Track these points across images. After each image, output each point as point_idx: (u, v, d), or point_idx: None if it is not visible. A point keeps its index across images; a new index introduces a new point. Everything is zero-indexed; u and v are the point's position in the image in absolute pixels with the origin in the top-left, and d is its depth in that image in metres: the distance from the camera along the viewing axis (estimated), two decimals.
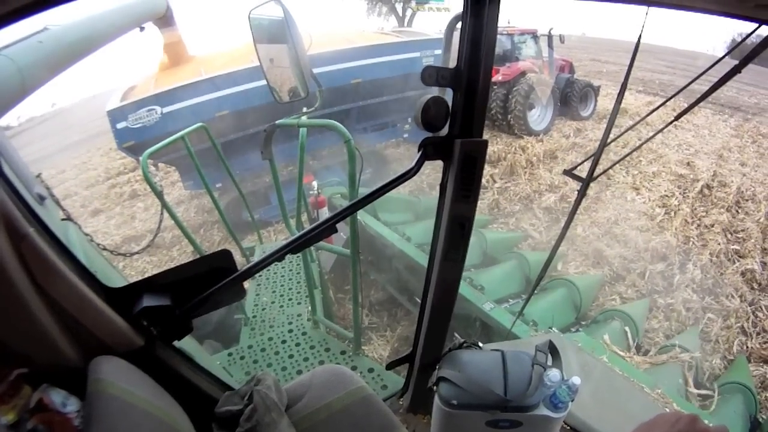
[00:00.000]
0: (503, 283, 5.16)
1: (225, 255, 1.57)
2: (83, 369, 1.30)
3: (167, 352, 1.63)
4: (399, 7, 30.48)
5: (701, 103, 1.88)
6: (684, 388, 3.99)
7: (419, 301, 2.04)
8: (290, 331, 4.12)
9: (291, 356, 3.81)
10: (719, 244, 7.75)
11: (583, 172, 2.15)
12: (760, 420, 4.02)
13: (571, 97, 13.92)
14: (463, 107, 1.36)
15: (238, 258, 1.64)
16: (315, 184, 6.03)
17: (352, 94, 8.96)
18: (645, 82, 21.24)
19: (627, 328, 4.55)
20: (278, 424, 1.69)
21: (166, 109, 7.32)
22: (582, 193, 2.12)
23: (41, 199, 1.69)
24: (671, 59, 29.63)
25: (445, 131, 1.42)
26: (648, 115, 2.55)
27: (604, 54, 30.27)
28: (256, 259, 1.61)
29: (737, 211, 9.09)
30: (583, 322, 4.98)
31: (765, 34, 1.32)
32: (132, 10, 5.79)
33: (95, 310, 1.36)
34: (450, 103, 1.38)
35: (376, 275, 6.24)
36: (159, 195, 3.55)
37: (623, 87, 1.92)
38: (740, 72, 1.62)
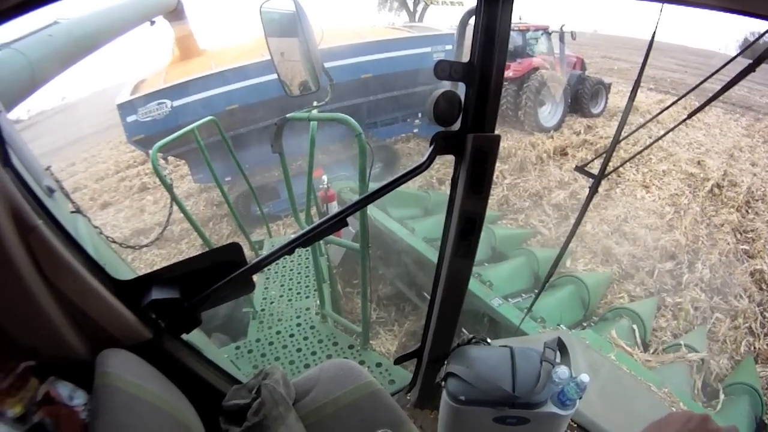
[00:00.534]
0: (512, 279, 5.16)
1: (235, 248, 1.56)
2: (90, 362, 1.30)
3: (175, 345, 1.63)
4: (410, 1, 30.40)
5: (712, 102, 1.87)
6: (691, 388, 3.98)
7: (427, 296, 2.03)
8: (298, 324, 4.12)
9: (299, 350, 3.81)
10: (728, 243, 7.70)
11: (594, 169, 2.14)
12: (766, 421, 4.00)
13: (582, 94, 13.82)
14: (475, 102, 1.36)
15: (247, 251, 1.64)
16: (325, 178, 6.02)
17: (362, 88, 8.95)
18: (656, 80, 21.07)
19: (635, 327, 4.55)
20: (286, 419, 1.69)
21: (176, 103, 7.35)
22: (593, 190, 2.11)
23: (50, 191, 1.69)
24: (683, 57, 29.38)
25: (457, 126, 1.42)
26: (660, 113, 2.54)
27: (615, 51, 30.04)
28: (265, 252, 1.61)
29: (747, 211, 9.02)
30: (592, 320, 4.97)
31: None
32: (142, 3, 5.81)
33: (103, 303, 1.36)
34: (462, 98, 1.37)
35: (384, 270, 6.24)
36: (168, 188, 3.56)
37: (636, 84, 1.91)
38: (753, 71, 1.61)
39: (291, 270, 5.09)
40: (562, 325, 4.02)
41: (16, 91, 2.86)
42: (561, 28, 12.99)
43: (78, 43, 3.90)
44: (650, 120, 2.64)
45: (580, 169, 2.29)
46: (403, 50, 9.30)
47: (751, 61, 1.59)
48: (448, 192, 1.64)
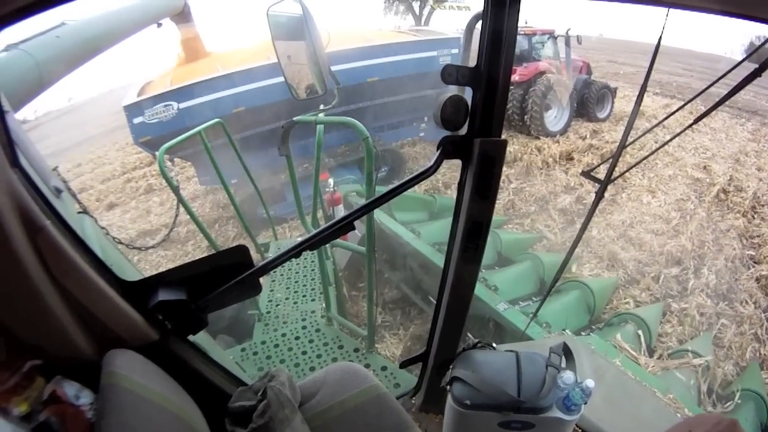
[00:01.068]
0: (517, 284, 5.15)
1: (242, 250, 1.57)
2: (97, 362, 1.31)
3: (181, 346, 1.63)
4: (416, 5, 30.42)
5: (719, 107, 1.86)
6: (696, 394, 3.96)
7: (433, 300, 2.04)
8: (304, 327, 4.12)
9: (304, 353, 3.81)
10: (734, 249, 7.65)
11: (600, 174, 2.14)
12: None
13: (588, 98, 13.81)
14: (482, 106, 1.36)
15: (252, 254, 1.64)
16: (331, 181, 6.03)
17: (368, 92, 8.95)
18: (662, 84, 21.02)
19: (640, 332, 4.53)
20: (291, 421, 1.69)
21: (182, 105, 7.36)
22: (600, 195, 2.11)
23: (58, 192, 1.70)
24: (688, 62, 29.29)
25: (464, 130, 1.42)
26: (667, 117, 2.54)
27: (621, 55, 30.02)
28: (271, 255, 1.61)
29: (753, 217, 8.97)
30: (597, 325, 4.96)
31: None
32: (150, 6, 5.85)
33: (110, 303, 1.36)
34: (469, 102, 1.37)
35: (390, 273, 6.23)
36: (175, 190, 3.56)
37: (643, 89, 1.90)
38: (760, 76, 1.61)
39: (297, 272, 5.08)
40: (567, 330, 4.02)
41: (24, 92, 2.88)
42: (567, 32, 12.98)
43: (85, 45, 3.92)
44: (657, 125, 2.64)
45: (587, 174, 2.29)
46: (410, 54, 9.30)
47: (757, 66, 1.59)
48: (455, 196, 1.65)
